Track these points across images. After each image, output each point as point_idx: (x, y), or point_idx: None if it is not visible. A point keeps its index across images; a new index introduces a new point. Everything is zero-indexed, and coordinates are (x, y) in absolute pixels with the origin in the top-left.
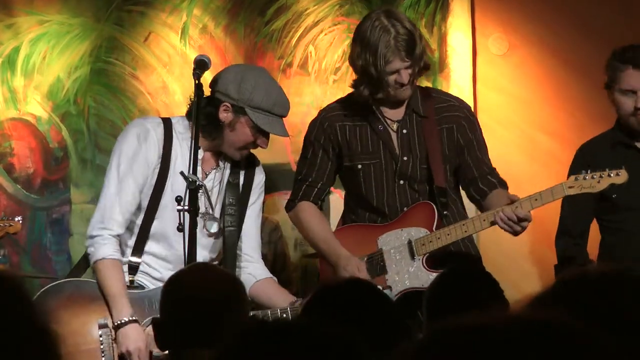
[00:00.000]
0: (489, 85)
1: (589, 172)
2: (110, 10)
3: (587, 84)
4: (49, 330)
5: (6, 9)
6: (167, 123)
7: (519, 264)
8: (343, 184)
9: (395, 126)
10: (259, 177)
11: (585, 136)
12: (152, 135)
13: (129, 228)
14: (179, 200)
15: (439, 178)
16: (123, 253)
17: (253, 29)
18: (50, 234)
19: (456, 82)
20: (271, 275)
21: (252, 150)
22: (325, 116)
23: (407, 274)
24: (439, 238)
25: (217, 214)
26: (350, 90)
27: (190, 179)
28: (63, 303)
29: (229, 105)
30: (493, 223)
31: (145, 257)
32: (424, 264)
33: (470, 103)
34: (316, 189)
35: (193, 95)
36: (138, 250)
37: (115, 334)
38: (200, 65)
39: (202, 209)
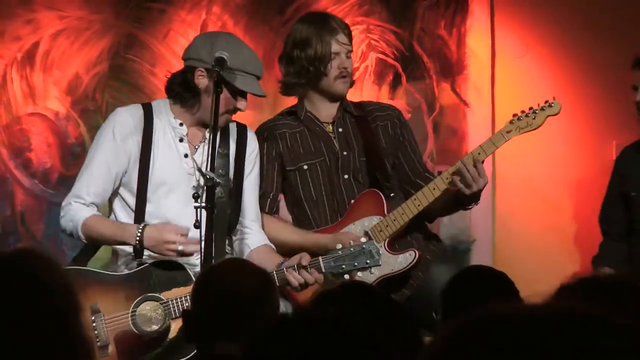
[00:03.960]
0: (508, 87)
1: (521, 112)
2: (129, 7)
3: (606, 86)
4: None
5: (26, 4)
6: (146, 107)
7: (533, 265)
8: (287, 193)
9: (330, 127)
10: (252, 147)
11: (603, 139)
12: (129, 123)
13: (127, 214)
14: (196, 197)
15: (380, 167)
16: None
17: (272, 27)
18: None
19: (474, 83)
20: (266, 243)
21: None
22: (263, 127)
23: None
24: (394, 220)
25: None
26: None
27: (208, 176)
28: None
29: (203, 70)
30: (446, 189)
31: None
32: (388, 249)
33: (489, 104)
34: (269, 199)
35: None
36: None
37: (142, 249)
38: (219, 63)
39: (193, 184)
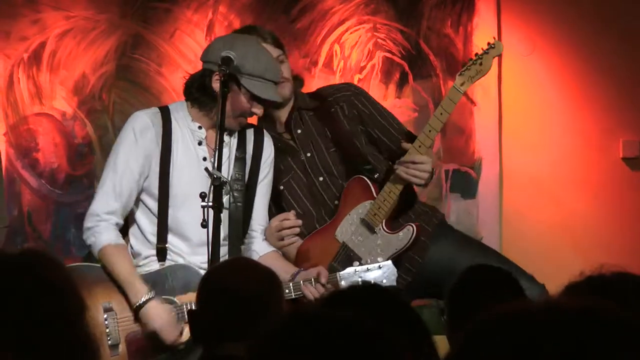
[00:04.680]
0: (514, 85)
1: (468, 61)
2: (136, 7)
3: (613, 84)
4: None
5: (32, 4)
6: (164, 111)
7: (541, 263)
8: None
9: (288, 136)
10: (268, 152)
11: (610, 137)
12: (150, 126)
13: (149, 219)
14: (203, 196)
15: (353, 153)
16: (148, 242)
17: (278, 27)
18: (74, 229)
19: (481, 82)
20: (274, 249)
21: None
22: None
23: (378, 247)
24: (384, 200)
25: (226, 189)
26: None
27: (215, 176)
28: None
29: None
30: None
31: (170, 240)
32: (386, 230)
33: (496, 103)
34: None
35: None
36: (162, 237)
37: (138, 316)
38: (226, 62)
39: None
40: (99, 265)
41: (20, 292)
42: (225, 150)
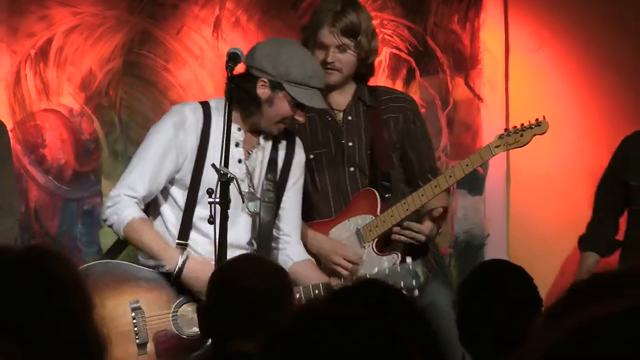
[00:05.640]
0: (521, 82)
1: (512, 128)
2: (143, 3)
3: (621, 81)
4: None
5: (40, 0)
6: (205, 107)
7: (549, 260)
8: None
9: (341, 115)
10: (299, 157)
11: (619, 134)
12: (191, 122)
13: (174, 213)
14: (210, 192)
15: (382, 163)
16: (170, 237)
17: (286, 23)
18: (81, 225)
19: (488, 78)
20: (309, 257)
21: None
22: None
23: (360, 262)
24: (384, 221)
25: (259, 193)
26: None
27: (222, 172)
28: (93, 286)
29: (266, 81)
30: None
31: (192, 237)
32: (374, 249)
33: (503, 99)
34: None
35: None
36: (184, 233)
37: (180, 280)
38: (233, 58)
39: (244, 189)
40: (128, 263)
41: (23, 287)
42: (259, 154)
